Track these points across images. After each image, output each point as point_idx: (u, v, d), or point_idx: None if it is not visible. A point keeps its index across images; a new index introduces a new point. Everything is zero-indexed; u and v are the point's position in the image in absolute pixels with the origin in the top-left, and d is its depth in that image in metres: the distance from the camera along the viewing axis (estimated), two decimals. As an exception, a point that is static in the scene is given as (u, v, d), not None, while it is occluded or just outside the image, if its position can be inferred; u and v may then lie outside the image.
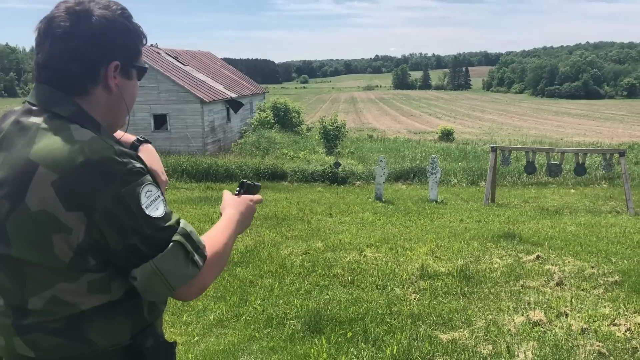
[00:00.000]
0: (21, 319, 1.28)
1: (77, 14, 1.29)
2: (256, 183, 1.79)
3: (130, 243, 1.23)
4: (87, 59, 1.30)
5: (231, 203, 1.62)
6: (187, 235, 1.30)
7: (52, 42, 1.29)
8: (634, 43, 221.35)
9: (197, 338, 4.31)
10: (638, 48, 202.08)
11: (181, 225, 1.31)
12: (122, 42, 1.37)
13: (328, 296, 5.16)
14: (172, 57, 29.83)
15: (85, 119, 1.30)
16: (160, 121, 25.64)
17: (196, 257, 1.30)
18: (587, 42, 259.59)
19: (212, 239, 1.43)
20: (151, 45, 29.44)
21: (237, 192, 1.71)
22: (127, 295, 1.31)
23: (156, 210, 1.26)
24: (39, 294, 1.25)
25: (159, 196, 1.30)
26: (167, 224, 1.28)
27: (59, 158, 1.20)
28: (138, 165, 1.27)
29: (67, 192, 1.19)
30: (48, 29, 1.30)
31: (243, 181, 1.75)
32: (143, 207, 1.23)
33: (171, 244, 1.26)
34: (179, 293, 1.31)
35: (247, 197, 1.68)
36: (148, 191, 1.26)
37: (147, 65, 1.51)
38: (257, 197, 1.73)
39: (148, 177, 1.29)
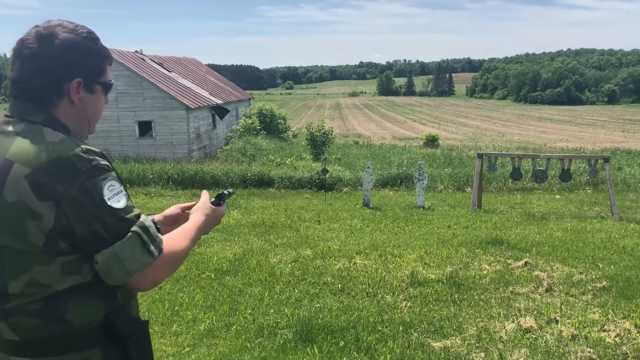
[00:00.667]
0: (4, 303, 1.42)
1: (44, 37, 1.48)
2: (230, 191, 2.00)
3: (93, 229, 1.38)
4: (51, 76, 1.48)
5: (204, 210, 1.81)
6: (144, 227, 1.45)
7: (22, 61, 1.48)
8: (613, 50, 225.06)
9: (188, 349, 4.25)
10: (618, 55, 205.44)
11: (141, 219, 1.47)
12: (84, 61, 1.53)
13: (319, 304, 5.13)
14: (157, 64, 29.65)
15: (56, 124, 1.48)
16: (145, 128, 25.44)
17: (152, 247, 1.45)
18: (569, 49, 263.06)
19: (173, 239, 1.58)
20: (136, 51, 29.24)
21: (213, 201, 1.87)
22: (97, 278, 1.44)
23: (118, 203, 1.42)
24: (18, 278, 1.39)
25: (122, 191, 1.46)
26: (127, 215, 1.44)
27: (31, 155, 1.38)
28: (103, 162, 1.44)
29: (39, 184, 1.35)
30: (19, 50, 1.48)
31: (223, 193, 1.93)
32: (105, 198, 1.40)
33: (130, 233, 1.41)
34: (133, 280, 1.44)
35: (220, 210, 1.88)
36: (111, 185, 1.43)
37: (112, 82, 1.67)
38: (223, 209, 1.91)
39: (113, 173, 1.46)
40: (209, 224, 1.80)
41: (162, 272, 1.50)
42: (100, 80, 1.60)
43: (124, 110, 24.84)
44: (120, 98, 24.55)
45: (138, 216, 1.47)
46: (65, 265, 1.40)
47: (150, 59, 29.88)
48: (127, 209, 1.44)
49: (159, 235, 1.50)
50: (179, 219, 1.93)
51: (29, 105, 1.48)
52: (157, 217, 1.92)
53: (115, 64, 23.97)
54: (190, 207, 1.94)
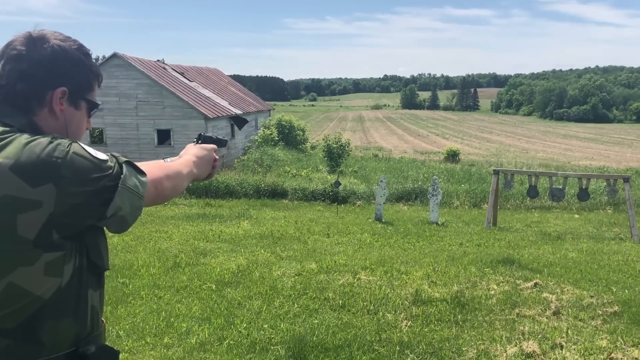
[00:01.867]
0: None
1: (34, 40, 1.43)
2: (219, 137, 1.98)
3: (99, 186, 1.34)
4: (35, 81, 1.41)
5: (188, 150, 1.83)
6: (124, 159, 1.46)
7: (6, 62, 1.42)
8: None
9: (177, 362, 4.16)
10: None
11: (115, 154, 1.46)
12: (72, 71, 1.48)
13: (317, 320, 5.01)
14: (179, 73, 29.97)
15: (35, 132, 1.38)
16: (164, 136, 25.67)
17: (138, 167, 1.48)
18: (597, 66, 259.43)
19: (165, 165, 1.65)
20: (157, 60, 29.63)
21: (194, 142, 1.91)
22: (73, 282, 1.38)
23: (101, 155, 1.40)
24: None
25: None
26: (111, 159, 1.42)
27: (12, 149, 1.30)
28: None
29: (29, 170, 1.27)
30: (5, 51, 1.43)
31: (200, 134, 1.93)
32: (93, 154, 1.37)
33: (123, 165, 1.41)
34: (147, 200, 1.48)
35: (205, 145, 1.88)
36: (86, 146, 1.40)
37: (100, 103, 1.61)
38: (212, 145, 1.90)
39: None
40: (200, 157, 1.81)
41: (157, 174, 1.53)
42: (86, 97, 1.53)
43: (143, 118, 25.11)
44: (140, 106, 24.85)
45: (113, 154, 1.47)
46: (49, 265, 1.32)
47: (172, 68, 30.23)
48: (109, 156, 1.43)
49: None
50: None
51: (9, 109, 1.42)
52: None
53: (137, 72, 24.33)
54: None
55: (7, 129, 1.36)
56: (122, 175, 1.38)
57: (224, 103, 30.42)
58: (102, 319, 1.59)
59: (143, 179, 1.45)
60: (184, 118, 25.17)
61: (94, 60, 1.55)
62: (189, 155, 1.80)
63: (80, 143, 1.40)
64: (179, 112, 25.15)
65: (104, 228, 1.47)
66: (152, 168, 1.55)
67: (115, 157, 1.43)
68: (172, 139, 25.49)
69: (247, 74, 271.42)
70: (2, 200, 1.27)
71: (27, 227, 1.28)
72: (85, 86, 1.52)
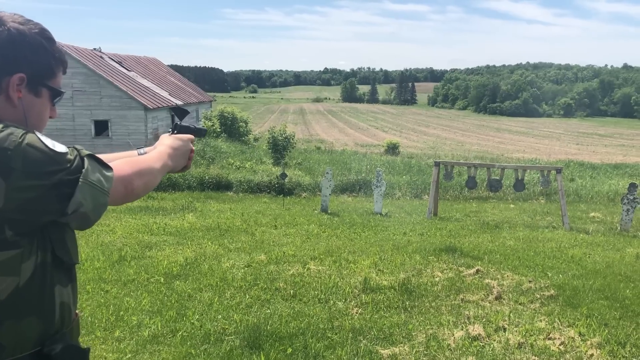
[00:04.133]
0: None
1: None
2: (198, 126, 1.89)
3: (55, 180, 1.26)
4: None
5: (163, 141, 1.76)
6: (87, 152, 1.38)
7: None
8: (570, 65, 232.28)
9: (130, 355, 4.10)
10: (574, 70, 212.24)
11: (77, 147, 1.38)
12: (32, 57, 1.38)
13: (269, 311, 5.05)
14: (116, 62, 29.02)
15: None
16: (101, 127, 24.83)
17: (102, 161, 1.40)
18: (528, 62, 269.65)
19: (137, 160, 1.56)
20: (94, 49, 28.54)
21: (170, 132, 1.81)
22: (34, 281, 1.31)
23: (60, 147, 1.32)
24: None
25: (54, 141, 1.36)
26: (72, 152, 1.34)
27: None
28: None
29: None
30: None
31: (176, 123, 1.82)
32: (50, 146, 1.28)
33: (85, 159, 1.34)
34: (113, 196, 1.40)
35: (181, 135, 1.80)
36: (44, 137, 1.31)
37: (63, 90, 1.51)
38: (189, 136, 1.83)
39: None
40: (175, 148, 1.74)
41: (126, 170, 1.45)
42: (47, 84, 1.43)
43: (79, 108, 24.17)
44: (76, 96, 23.92)
45: (76, 147, 1.38)
46: (3, 264, 1.24)
47: (109, 57, 29.24)
48: (70, 149, 1.34)
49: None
50: None
51: None
52: (148, 149, 1.88)
53: (72, 61, 23.36)
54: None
55: None
56: (83, 170, 1.30)
57: (164, 93, 29.73)
58: (77, 311, 1.54)
59: (108, 173, 1.37)
60: (123, 108, 24.42)
61: (57, 46, 1.46)
62: (164, 146, 1.73)
63: (37, 134, 1.30)
64: (117, 102, 24.37)
65: None
66: (122, 165, 1.47)
67: (77, 150, 1.35)
68: (110, 130, 24.70)
69: (186, 64, 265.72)
70: None
71: None
72: (47, 73, 1.43)
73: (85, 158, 1.34)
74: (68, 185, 1.28)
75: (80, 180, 1.29)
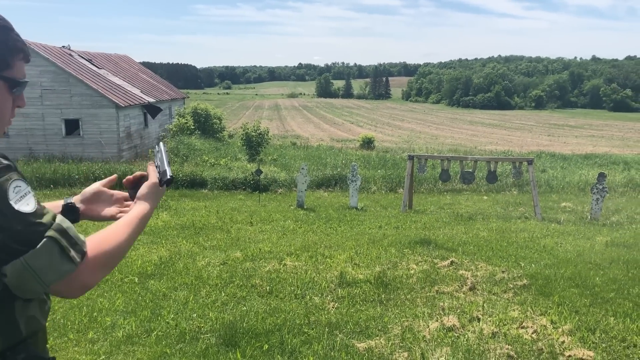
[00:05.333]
0: None
1: None
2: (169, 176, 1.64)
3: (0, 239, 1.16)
4: None
5: (152, 196, 1.57)
6: (62, 230, 1.25)
7: None
8: (540, 57, 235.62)
9: (104, 357, 4.05)
10: (544, 62, 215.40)
11: (57, 221, 1.26)
12: None
13: (245, 308, 5.03)
14: (86, 60, 28.49)
15: None
16: (72, 126, 24.35)
17: (72, 253, 1.25)
18: (499, 56, 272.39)
19: (107, 237, 1.37)
20: (63, 47, 27.95)
21: (160, 182, 1.60)
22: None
23: (26, 206, 1.21)
24: None
25: (29, 192, 1.24)
26: (39, 220, 1.22)
27: None
28: (5, 162, 1.22)
29: None
30: None
31: (172, 178, 1.62)
32: (11, 202, 1.17)
33: (44, 239, 1.20)
34: (56, 290, 1.27)
35: (163, 190, 1.62)
36: (17, 186, 1.20)
37: (23, 80, 1.38)
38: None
39: (16, 173, 1.24)
40: (154, 208, 1.56)
41: (91, 277, 1.30)
42: (3, 74, 1.33)
43: (49, 107, 23.65)
44: (46, 95, 23.40)
45: (54, 218, 1.26)
46: None
47: (79, 55, 28.69)
48: (38, 211, 1.23)
49: (81, 237, 1.29)
50: (100, 194, 1.70)
51: None
52: (75, 198, 1.68)
53: (40, 59, 22.86)
54: (110, 183, 1.73)
55: None
56: (33, 250, 1.18)
57: (136, 91, 29.30)
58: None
59: (64, 267, 1.23)
60: (94, 107, 23.98)
61: (14, 34, 1.34)
62: (148, 207, 1.54)
63: (10, 184, 1.20)
64: (87, 100, 23.91)
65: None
66: (100, 264, 1.32)
67: (52, 221, 1.24)
68: (82, 129, 24.24)
69: (158, 61, 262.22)
70: None
71: None
72: (1, 63, 1.32)
73: (51, 235, 1.22)
74: (6, 251, 1.17)
75: (21, 258, 1.18)
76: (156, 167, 1.68)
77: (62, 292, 1.30)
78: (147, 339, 4.34)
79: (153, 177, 1.62)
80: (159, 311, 4.95)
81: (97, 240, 1.34)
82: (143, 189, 1.59)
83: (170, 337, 4.35)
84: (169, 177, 1.62)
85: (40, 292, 1.25)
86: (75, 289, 1.30)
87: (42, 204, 1.28)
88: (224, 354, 4.03)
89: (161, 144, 1.77)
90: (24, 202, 1.20)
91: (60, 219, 1.27)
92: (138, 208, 1.52)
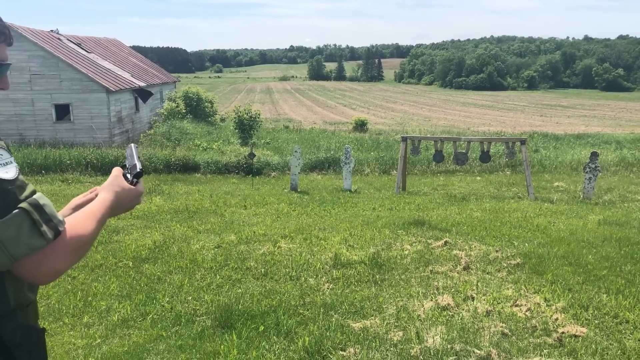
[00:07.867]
0: None
1: None
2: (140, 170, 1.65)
3: None
4: None
5: (113, 187, 1.55)
6: (37, 205, 1.23)
7: None
8: (533, 38, 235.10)
9: (99, 340, 4.05)
10: (536, 42, 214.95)
11: (35, 196, 1.25)
12: None
13: (240, 290, 5.04)
14: (75, 44, 28.15)
15: None
16: (62, 111, 24.14)
17: (44, 228, 1.23)
18: (492, 36, 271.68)
19: (76, 221, 1.36)
20: (51, 31, 27.60)
21: (130, 180, 1.60)
22: None
23: (5, 174, 1.21)
24: None
25: (12, 162, 1.24)
26: (16, 190, 1.23)
27: None
28: None
29: None
30: None
31: (141, 171, 1.63)
32: None
33: (16, 210, 1.20)
34: (26, 271, 1.25)
35: (137, 190, 1.61)
36: None
37: (7, 62, 1.38)
38: (140, 190, 1.64)
39: (1, 142, 1.25)
40: (121, 203, 1.55)
41: (62, 260, 1.28)
42: None
43: (38, 92, 23.39)
44: (35, 80, 23.14)
45: (33, 192, 1.25)
46: None
47: (68, 39, 28.33)
48: (18, 182, 1.23)
49: (59, 216, 1.28)
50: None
51: None
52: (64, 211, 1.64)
53: (29, 43, 22.56)
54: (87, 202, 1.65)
55: None
56: (2, 219, 1.18)
57: (126, 75, 29.02)
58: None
59: (34, 242, 1.22)
60: (84, 92, 23.75)
61: None
62: (110, 198, 1.51)
63: None
64: (77, 85, 23.67)
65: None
66: (70, 249, 1.30)
67: (29, 195, 1.23)
68: (72, 114, 24.02)
69: (148, 45, 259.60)
70: None
71: None
72: None
73: (24, 206, 1.21)
74: None
75: None
76: (127, 166, 1.67)
77: (29, 274, 1.26)
78: (142, 323, 4.34)
79: (114, 172, 1.61)
80: (154, 295, 4.95)
81: (69, 224, 1.33)
82: (105, 182, 1.58)
83: (166, 320, 4.36)
84: (138, 170, 1.62)
85: (7, 265, 1.21)
86: (44, 272, 1.27)
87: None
88: (220, 335, 4.04)
89: (132, 145, 1.77)
90: (4, 170, 1.21)
91: (39, 195, 1.26)
92: (100, 197, 1.51)
